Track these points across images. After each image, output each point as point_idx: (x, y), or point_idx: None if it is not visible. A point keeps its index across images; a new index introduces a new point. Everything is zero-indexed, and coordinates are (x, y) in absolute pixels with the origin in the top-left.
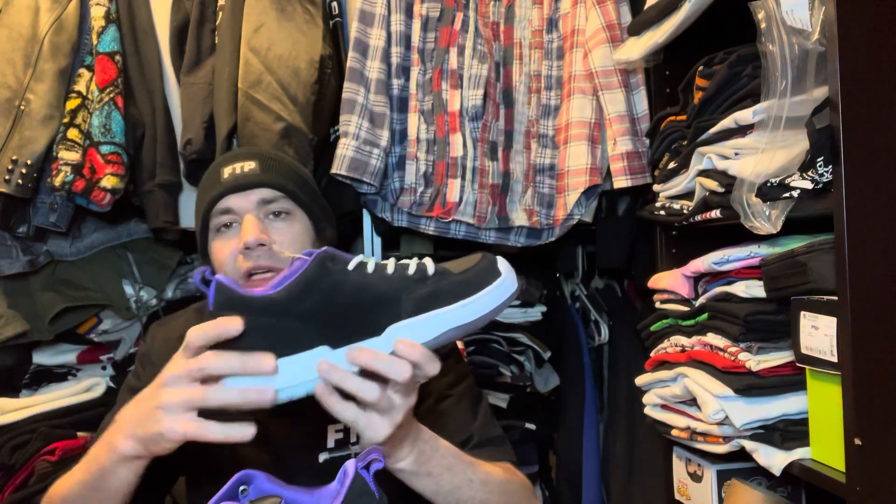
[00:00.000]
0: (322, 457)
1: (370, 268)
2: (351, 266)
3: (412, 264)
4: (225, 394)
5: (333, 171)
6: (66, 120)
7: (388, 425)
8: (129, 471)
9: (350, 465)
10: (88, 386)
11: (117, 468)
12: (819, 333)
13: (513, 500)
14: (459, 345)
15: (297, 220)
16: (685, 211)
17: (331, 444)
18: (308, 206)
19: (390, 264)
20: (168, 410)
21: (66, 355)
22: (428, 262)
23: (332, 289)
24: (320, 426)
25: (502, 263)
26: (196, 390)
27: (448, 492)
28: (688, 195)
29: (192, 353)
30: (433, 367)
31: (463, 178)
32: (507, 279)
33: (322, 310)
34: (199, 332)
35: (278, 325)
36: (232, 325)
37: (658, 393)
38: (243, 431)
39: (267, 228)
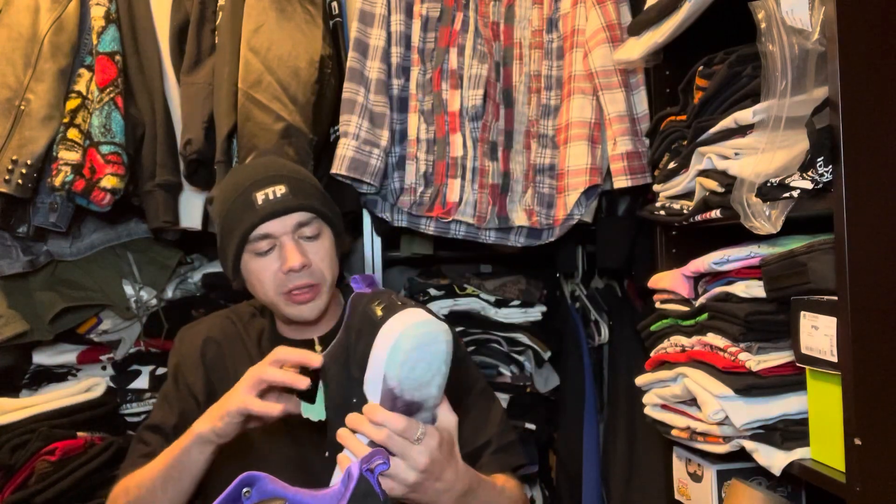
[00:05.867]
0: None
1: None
2: None
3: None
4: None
5: (333, 171)
6: (66, 120)
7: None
8: (201, 453)
9: (354, 468)
10: (88, 386)
11: (192, 449)
12: (819, 333)
13: None
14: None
15: (326, 237)
16: (685, 211)
17: None
18: (332, 221)
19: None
20: (239, 391)
21: (66, 355)
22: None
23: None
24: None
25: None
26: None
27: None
28: (688, 195)
29: (272, 363)
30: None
31: (463, 178)
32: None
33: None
34: (285, 354)
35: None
36: (314, 359)
37: (658, 393)
38: (278, 406)
39: (304, 250)
